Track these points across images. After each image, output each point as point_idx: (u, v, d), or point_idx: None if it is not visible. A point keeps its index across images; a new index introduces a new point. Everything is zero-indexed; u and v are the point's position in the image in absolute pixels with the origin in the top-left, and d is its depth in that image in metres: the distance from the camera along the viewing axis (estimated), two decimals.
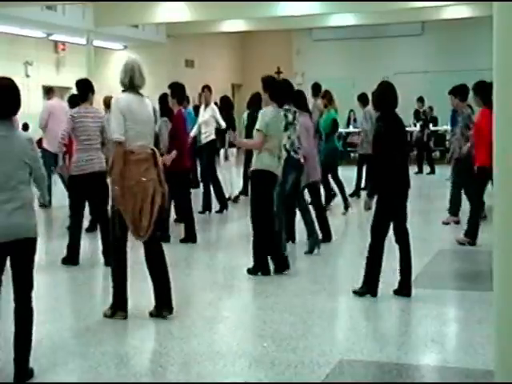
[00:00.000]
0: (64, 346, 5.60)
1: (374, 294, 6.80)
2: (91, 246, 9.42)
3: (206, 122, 12.88)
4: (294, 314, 6.48)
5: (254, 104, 12.11)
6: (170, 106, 9.81)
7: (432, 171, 18.81)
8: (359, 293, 6.84)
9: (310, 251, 8.86)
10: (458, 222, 10.74)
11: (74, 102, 9.30)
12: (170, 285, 6.30)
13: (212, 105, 13.13)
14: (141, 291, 7.00)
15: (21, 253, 4.78)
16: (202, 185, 12.83)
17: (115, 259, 6.33)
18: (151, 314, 6.30)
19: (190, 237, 9.78)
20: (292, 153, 8.39)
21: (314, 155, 9.38)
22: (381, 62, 25.90)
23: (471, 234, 9.29)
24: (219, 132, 12.85)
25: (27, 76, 19.94)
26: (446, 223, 10.87)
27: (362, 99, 14.00)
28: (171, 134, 9.60)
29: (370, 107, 12.86)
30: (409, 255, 6.93)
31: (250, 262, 7.89)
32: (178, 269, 8.53)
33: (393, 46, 26.13)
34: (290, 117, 8.37)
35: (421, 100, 19.87)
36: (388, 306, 6.68)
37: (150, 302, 6.94)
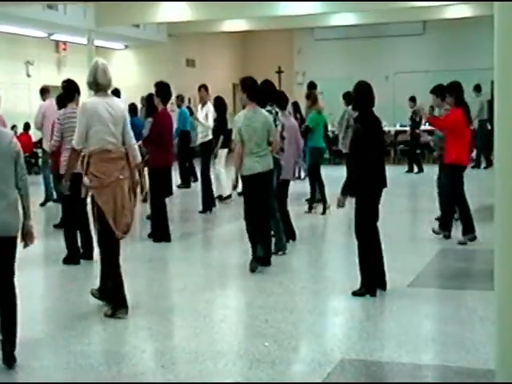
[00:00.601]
0: (65, 345, 5.60)
1: (373, 293, 6.81)
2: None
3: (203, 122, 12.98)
4: (295, 313, 6.48)
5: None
6: (156, 105, 9.94)
7: (420, 170, 18.99)
8: (358, 294, 6.84)
9: (276, 252, 8.74)
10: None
11: (61, 102, 9.34)
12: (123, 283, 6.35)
13: (208, 104, 13.15)
14: (139, 289, 7.00)
15: (5, 249, 5.04)
16: (200, 184, 12.81)
17: (104, 257, 6.38)
18: (105, 315, 6.32)
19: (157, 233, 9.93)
20: (273, 153, 8.48)
21: (290, 154, 9.47)
22: (382, 62, 25.89)
23: (445, 226, 9.51)
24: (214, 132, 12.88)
25: (28, 76, 19.95)
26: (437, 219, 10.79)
27: (348, 98, 14.01)
28: (154, 131, 9.76)
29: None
30: (380, 252, 6.99)
31: (247, 262, 7.90)
32: (178, 268, 8.56)
33: (394, 45, 26.11)
34: (271, 117, 8.49)
35: (412, 100, 19.85)
36: (389, 305, 6.68)
37: (150, 299, 6.95)
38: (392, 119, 22.16)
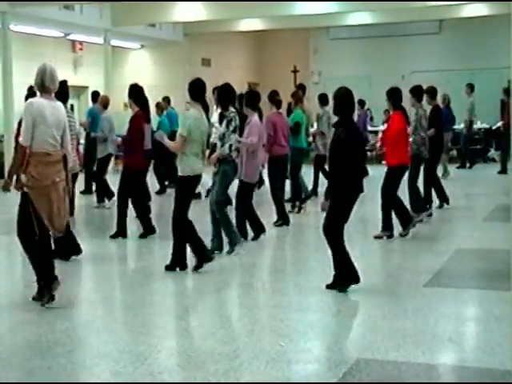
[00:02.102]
0: (81, 345, 5.62)
1: (344, 288, 6.99)
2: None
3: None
4: (310, 312, 6.48)
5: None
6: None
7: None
8: (330, 287, 7.04)
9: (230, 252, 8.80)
10: (430, 215, 11.23)
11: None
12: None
13: None
14: (154, 288, 7.00)
15: None
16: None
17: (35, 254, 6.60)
18: (34, 299, 6.62)
19: (148, 230, 10.16)
20: (234, 156, 8.76)
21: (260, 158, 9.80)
22: (398, 61, 25.79)
23: (387, 227, 9.64)
24: None
25: None
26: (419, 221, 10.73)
27: (323, 99, 14.09)
28: (128, 133, 10.03)
29: (328, 108, 13.42)
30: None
31: (260, 260, 7.90)
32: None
33: (410, 44, 26.00)
34: (238, 119, 8.78)
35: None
36: (405, 304, 6.66)
37: (165, 298, 6.97)
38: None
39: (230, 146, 8.68)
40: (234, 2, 18.82)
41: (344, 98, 7.02)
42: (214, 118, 13.01)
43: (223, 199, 8.87)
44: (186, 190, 7.88)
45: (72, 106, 19.30)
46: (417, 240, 9.72)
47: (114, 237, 9.96)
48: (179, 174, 7.89)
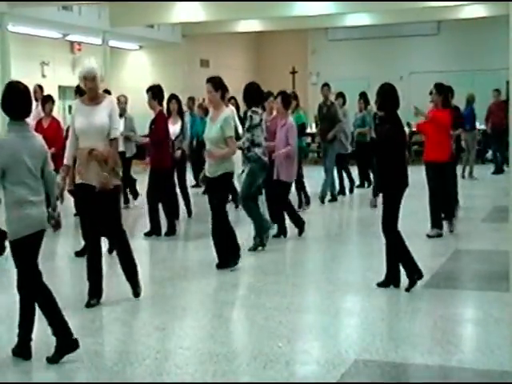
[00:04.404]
0: (80, 345, 5.61)
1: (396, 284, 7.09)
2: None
3: None
4: (308, 314, 6.48)
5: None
6: None
7: None
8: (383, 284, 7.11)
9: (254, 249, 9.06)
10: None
11: None
12: None
13: (230, 106, 13.12)
14: (153, 289, 6.99)
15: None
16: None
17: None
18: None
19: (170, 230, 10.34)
20: (261, 155, 8.86)
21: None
22: (396, 62, 25.80)
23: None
24: None
25: (43, 76, 20.02)
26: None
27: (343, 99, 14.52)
28: (154, 133, 10.13)
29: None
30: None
31: (261, 262, 7.89)
32: (192, 270, 8.56)
33: (408, 45, 26.00)
34: (258, 118, 8.86)
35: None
36: (404, 306, 6.67)
37: (163, 300, 6.97)
38: (406, 120, 22.07)
39: (243, 144, 8.90)
40: (233, 3, 18.81)
41: (389, 94, 7.11)
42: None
43: (248, 196, 9.02)
44: (227, 187, 8.24)
45: (70, 107, 19.26)
46: (415, 241, 9.70)
47: (148, 234, 10.16)
48: (222, 172, 7.92)
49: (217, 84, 8.01)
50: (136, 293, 6.88)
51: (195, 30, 23.13)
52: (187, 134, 11.84)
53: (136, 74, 22.88)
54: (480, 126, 21.31)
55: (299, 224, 10.07)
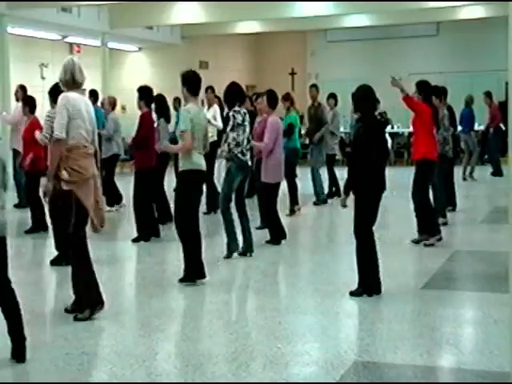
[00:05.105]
0: (79, 347, 5.61)
1: (369, 293, 6.85)
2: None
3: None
4: (308, 315, 6.48)
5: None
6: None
7: None
8: (355, 294, 6.87)
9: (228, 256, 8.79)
10: (445, 223, 10.54)
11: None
12: None
13: (214, 106, 13.15)
14: (152, 291, 6.97)
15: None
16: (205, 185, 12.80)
17: (78, 257, 6.37)
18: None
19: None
20: (239, 154, 8.60)
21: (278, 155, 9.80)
22: (395, 63, 25.78)
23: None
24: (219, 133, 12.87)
25: (43, 78, 20.02)
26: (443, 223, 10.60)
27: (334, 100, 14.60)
28: (139, 132, 10.04)
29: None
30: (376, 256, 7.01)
31: (261, 263, 7.88)
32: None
33: (407, 46, 26.01)
34: (240, 118, 8.61)
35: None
36: (403, 307, 6.66)
37: (163, 301, 6.96)
38: (406, 121, 22.07)
39: (229, 144, 8.64)
40: (232, 4, 18.82)
41: (365, 95, 7.02)
42: (208, 115, 13.04)
43: (226, 197, 8.75)
44: (187, 184, 7.59)
45: None
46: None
47: (135, 241, 9.93)
48: (181, 169, 7.63)
49: (184, 79, 8.01)
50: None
51: (194, 31, 23.14)
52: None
53: (135, 75, 22.85)
54: (479, 127, 21.33)
55: (278, 235, 9.65)
